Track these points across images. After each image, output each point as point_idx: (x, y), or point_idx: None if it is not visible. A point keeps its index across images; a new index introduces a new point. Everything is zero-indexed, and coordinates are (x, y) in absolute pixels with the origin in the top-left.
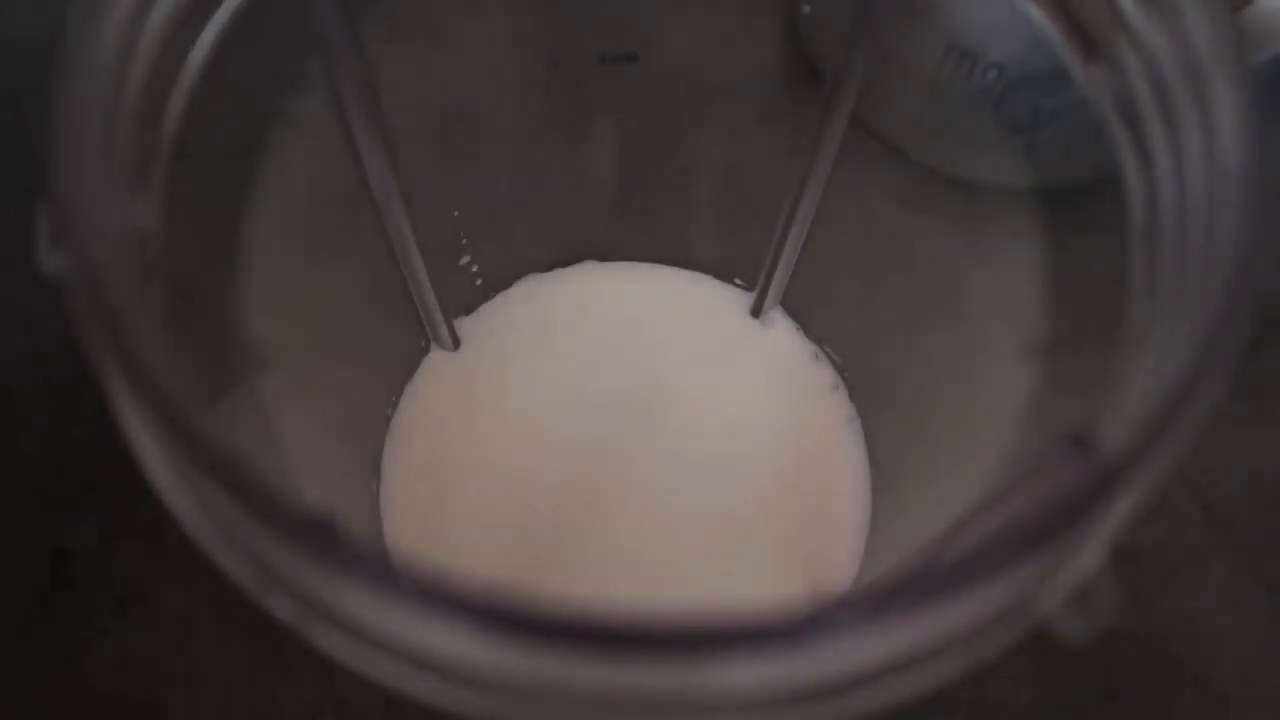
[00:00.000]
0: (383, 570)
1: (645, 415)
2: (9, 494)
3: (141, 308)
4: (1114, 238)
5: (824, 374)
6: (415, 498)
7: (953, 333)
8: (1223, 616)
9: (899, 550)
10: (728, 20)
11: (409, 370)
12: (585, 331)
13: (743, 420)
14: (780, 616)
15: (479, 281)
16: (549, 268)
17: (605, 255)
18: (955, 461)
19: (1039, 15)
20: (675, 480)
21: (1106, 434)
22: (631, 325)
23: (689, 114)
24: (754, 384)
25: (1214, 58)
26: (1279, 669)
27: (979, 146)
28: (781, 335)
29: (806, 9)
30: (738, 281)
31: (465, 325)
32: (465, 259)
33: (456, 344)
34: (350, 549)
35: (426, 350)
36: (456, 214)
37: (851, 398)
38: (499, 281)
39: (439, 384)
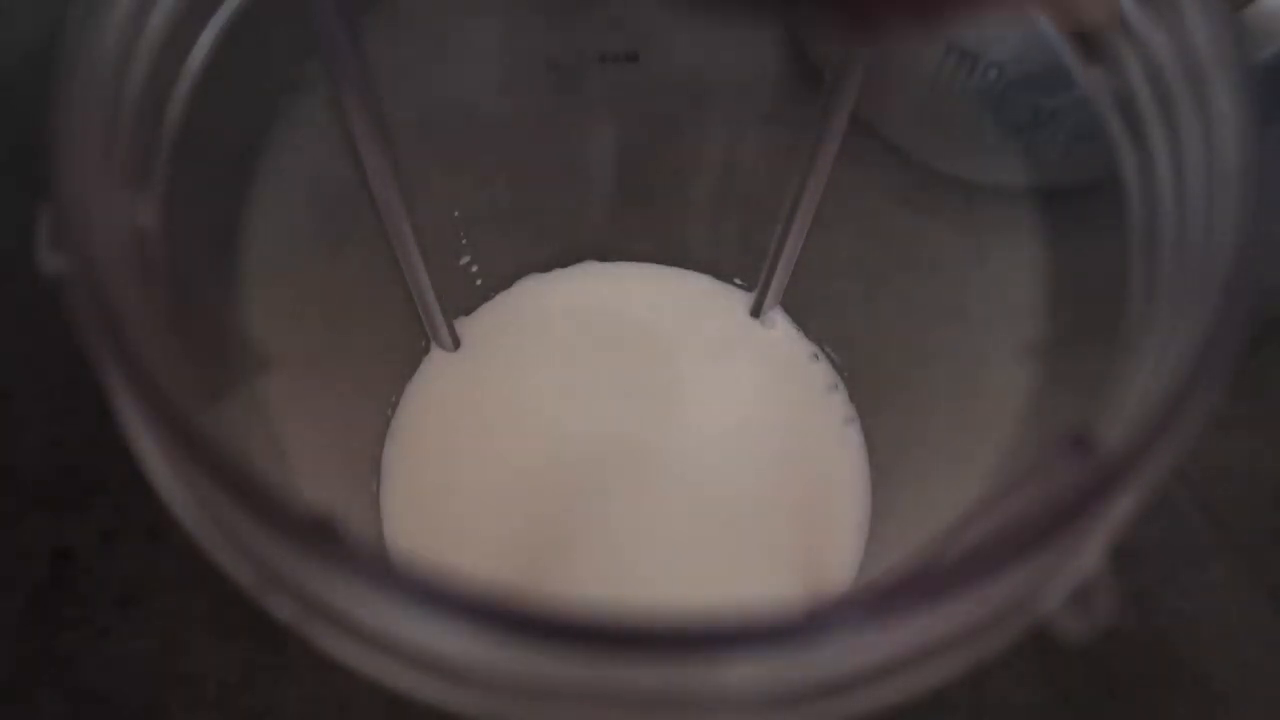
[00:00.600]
0: (383, 570)
1: (645, 415)
2: (9, 494)
3: (141, 308)
4: (1114, 238)
5: (824, 374)
6: (415, 498)
7: (952, 333)
8: (1223, 616)
9: (899, 550)
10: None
11: (409, 370)
12: (585, 332)
13: (742, 420)
14: (780, 616)
15: (479, 281)
16: (549, 268)
17: (605, 255)
18: (955, 461)
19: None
20: (675, 480)
21: (1106, 434)
22: (631, 325)
23: (689, 114)
24: (754, 384)
25: (1214, 58)
26: (1279, 669)
27: (979, 146)
28: (781, 335)
29: None
30: (737, 281)
31: (465, 325)
32: (465, 259)
33: (456, 344)
34: (350, 549)
35: (426, 350)
36: (456, 214)
37: (851, 398)
38: (499, 281)
39: (439, 384)
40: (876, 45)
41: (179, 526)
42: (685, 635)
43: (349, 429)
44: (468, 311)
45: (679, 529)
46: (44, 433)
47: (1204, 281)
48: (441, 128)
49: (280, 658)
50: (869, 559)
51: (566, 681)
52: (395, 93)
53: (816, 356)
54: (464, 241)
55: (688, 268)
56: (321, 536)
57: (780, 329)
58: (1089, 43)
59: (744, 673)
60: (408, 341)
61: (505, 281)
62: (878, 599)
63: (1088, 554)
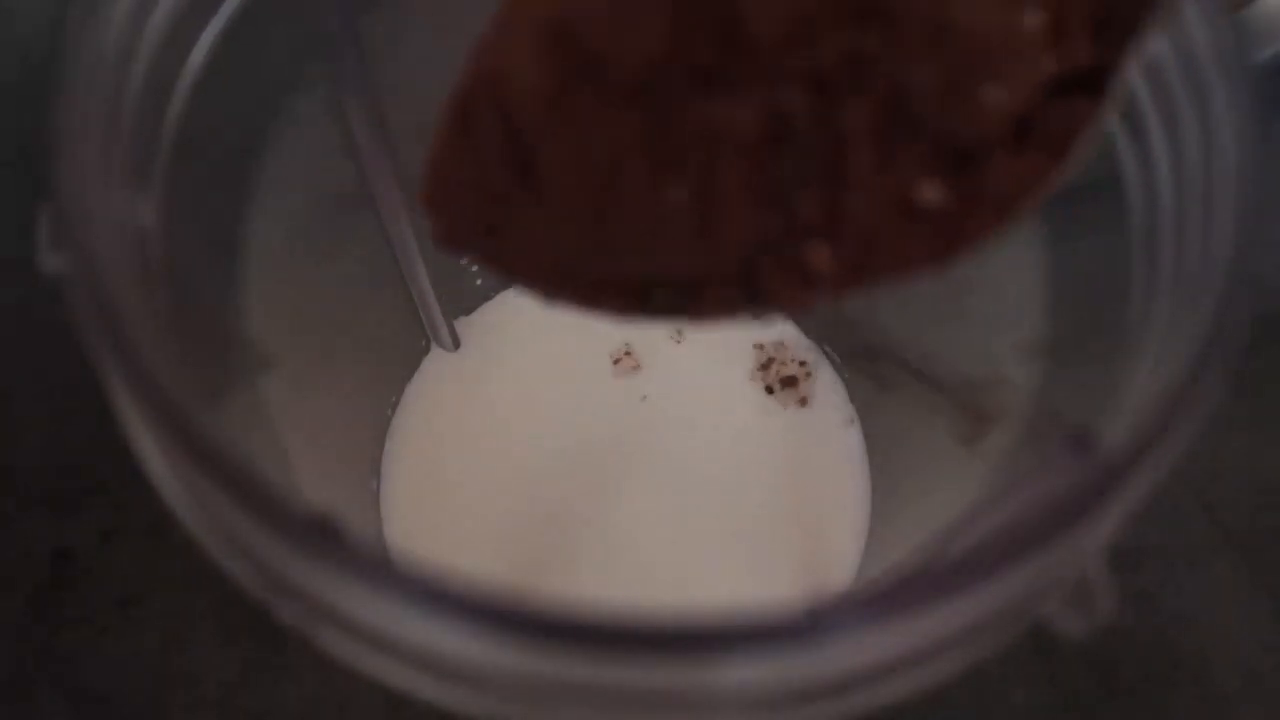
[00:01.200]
0: (383, 570)
1: (646, 415)
2: (9, 494)
3: (141, 308)
4: (1114, 238)
5: (824, 374)
6: (415, 498)
7: (953, 333)
8: (1223, 616)
9: (899, 550)
10: None
11: (409, 370)
12: (585, 332)
13: (742, 420)
14: (780, 616)
15: (479, 282)
16: None
17: None
18: (955, 462)
19: None
20: (675, 480)
21: (1106, 434)
22: (631, 327)
23: None
24: (754, 384)
25: (1214, 58)
26: (1279, 669)
27: None
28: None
29: None
30: None
31: (466, 325)
32: (465, 259)
33: (457, 344)
34: (350, 549)
35: (427, 350)
36: None
37: (851, 398)
38: (499, 281)
39: (439, 384)
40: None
41: (179, 526)
42: (685, 635)
43: (349, 429)
44: (468, 311)
45: (679, 528)
46: (44, 433)
47: (1204, 281)
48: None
49: (280, 658)
50: (869, 559)
51: (566, 681)
52: (395, 93)
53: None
54: None
55: None
56: (321, 536)
57: (780, 329)
58: None
59: (744, 673)
60: (408, 341)
61: (505, 282)
62: (878, 599)
63: (1088, 554)
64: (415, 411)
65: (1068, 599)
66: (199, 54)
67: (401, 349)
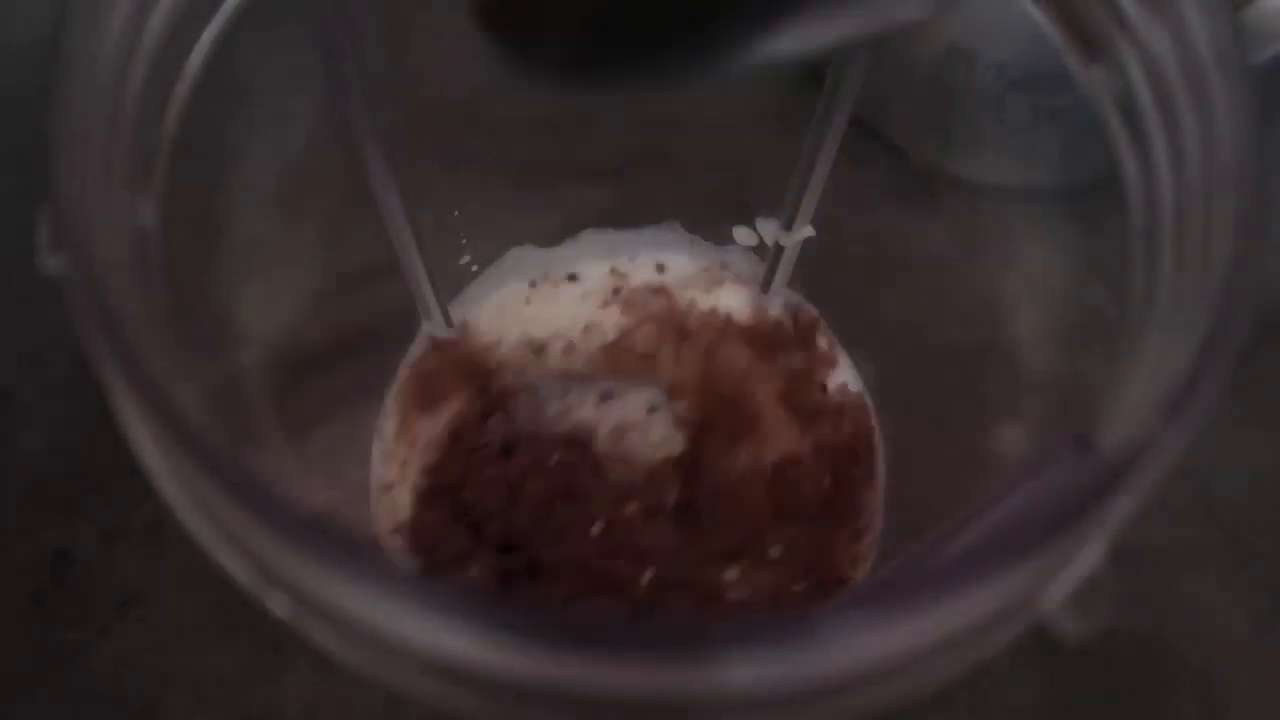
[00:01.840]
0: (383, 570)
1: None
2: (9, 494)
3: (141, 308)
4: (1114, 238)
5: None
6: (414, 496)
7: (953, 332)
8: (1223, 616)
9: (903, 550)
10: None
11: (408, 369)
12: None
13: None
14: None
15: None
16: None
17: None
18: (957, 461)
19: (1039, 15)
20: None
21: (1106, 434)
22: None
23: (689, 114)
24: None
25: (1214, 58)
26: (1279, 669)
27: (979, 146)
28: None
29: None
30: None
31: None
32: (465, 259)
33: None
34: (348, 548)
35: (426, 349)
36: (456, 214)
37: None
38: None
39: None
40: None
41: (178, 526)
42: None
43: (348, 427)
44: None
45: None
46: (44, 433)
47: (1204, 281)
48: (441, 128)
49: (280, 658)
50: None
51: (566, 682)
52: (395, 93)
53: None
54: (464, 241)
55: None
56: (319, 535)
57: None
58: (1089, 43)
59: (744, 673)
60: (408, 340)
61: None
62: (878, 599)
63: (1088, 554)
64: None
65: (1068, 599)
66: (199, 54)
67: (401, 348)
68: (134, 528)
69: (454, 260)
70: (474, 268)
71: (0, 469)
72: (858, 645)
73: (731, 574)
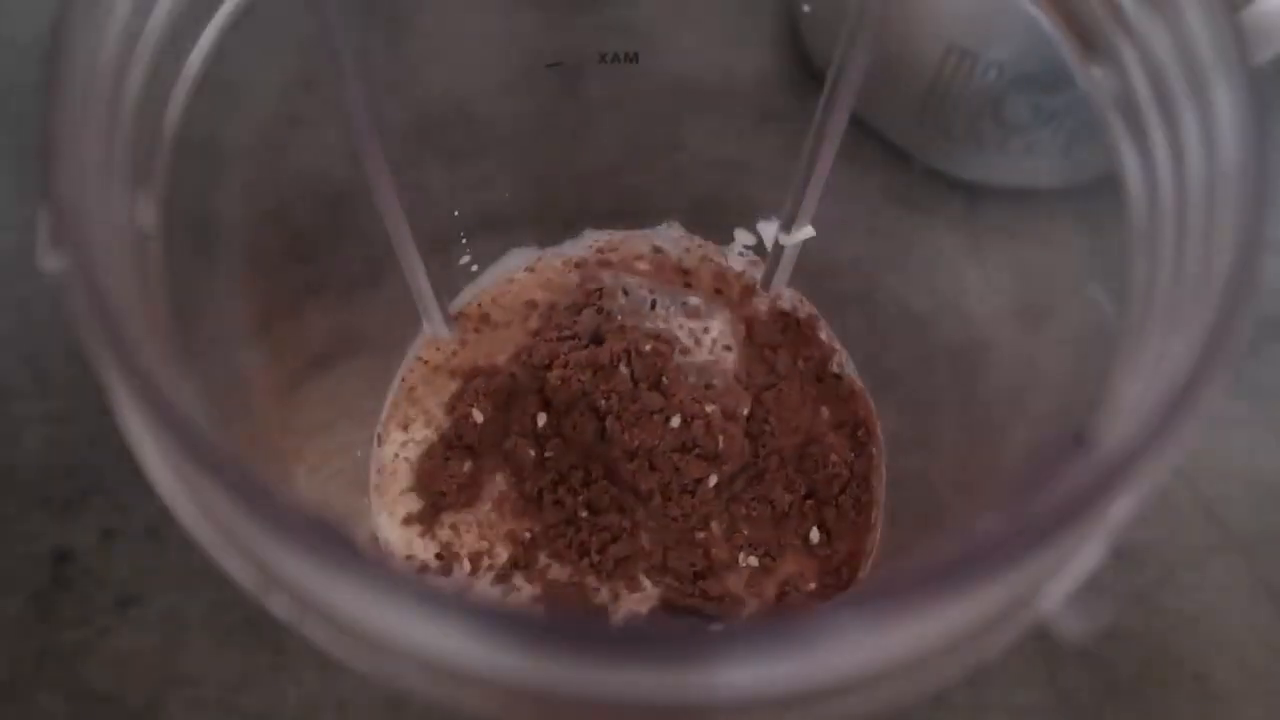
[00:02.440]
0: (383, 570)
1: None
2: (9, 494)
3: (141, 308)
4: (1114, 238)
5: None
6: (414, 496)
7: (953, 332)
8: (1223, 616)
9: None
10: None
11: (408, 368)
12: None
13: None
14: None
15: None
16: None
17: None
18: (958, 461)
19: (1039, 15)
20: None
21: (1106, 434)
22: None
23: (689, 114)
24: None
25: (1214, 58)
26: (1279, 669)
27: (979, 146)
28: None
29: (806, 9)
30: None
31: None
32: (465, 258)
33: (460, 341)
34: (350, 549)
35: (425, 348)
36: (456, 214)
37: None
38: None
39: (439, 381)
40: None
41: (179, 526)
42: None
43: (347, 426)
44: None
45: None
46: (44, 433)
47: (1204, 281)
48: (441, 128)
49: (280, 658)
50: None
51: (565, 682)
52: (395, 93)
53: None
54: (463, 241)
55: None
56: (321, 536)
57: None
58: (1089, 42)
59: (744, 674)
60: (407, 339)
61: None
62: (878, 599)
63: (1088, 554)
64: (414, 407)
65: (1068, 599)
66: (199, 54)
67: (401, 347)
68: (134, 528)
69: (454, 260)
70: (474, 268)
71: (0, 469)
72: (857, 645)
73: (752, 559)
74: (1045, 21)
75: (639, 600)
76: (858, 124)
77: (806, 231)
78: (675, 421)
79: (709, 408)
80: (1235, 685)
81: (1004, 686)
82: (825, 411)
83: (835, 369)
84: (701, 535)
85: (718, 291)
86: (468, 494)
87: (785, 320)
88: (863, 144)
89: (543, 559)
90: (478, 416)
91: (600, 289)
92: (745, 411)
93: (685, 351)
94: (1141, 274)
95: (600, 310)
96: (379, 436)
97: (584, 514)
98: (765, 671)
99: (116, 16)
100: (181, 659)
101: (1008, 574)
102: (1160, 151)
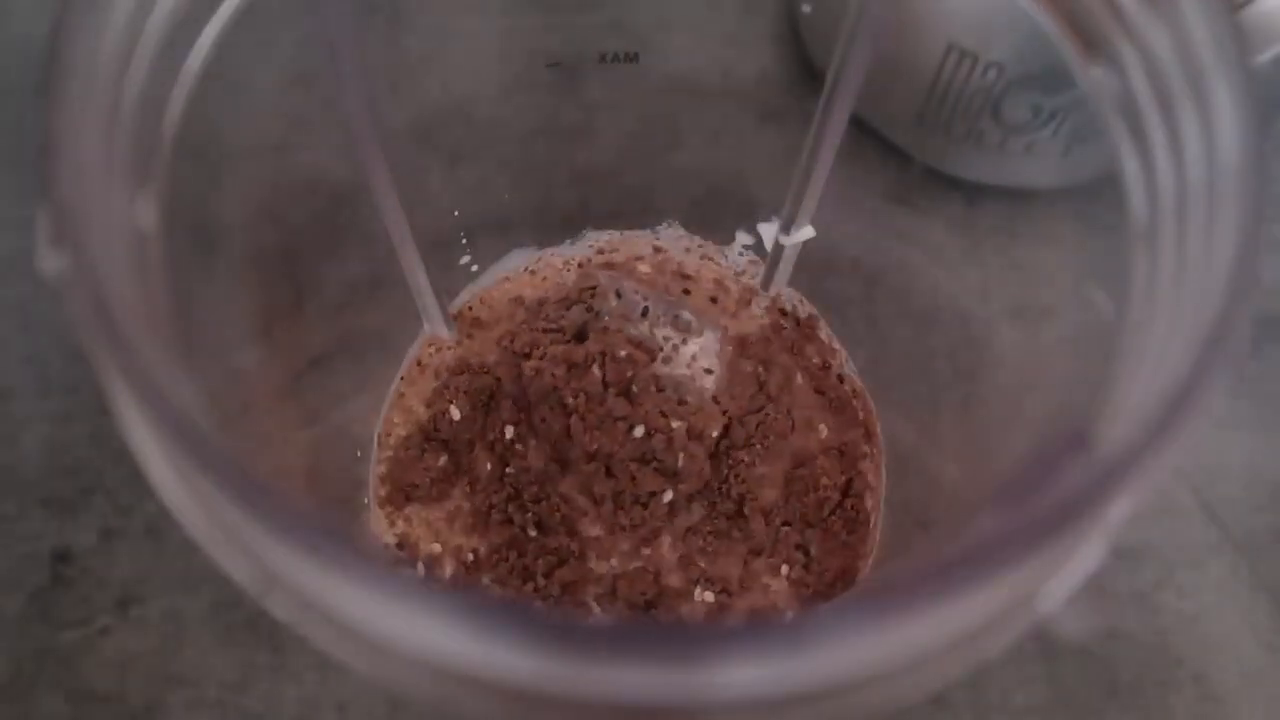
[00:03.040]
0: (383, 570)
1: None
2: (9, 494)
3: (141, 308)
4: (1114, 238)
5: None
6: (414, 495)
7: (953, 332)
8: (1223, 616)
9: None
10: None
11: (407, 366)
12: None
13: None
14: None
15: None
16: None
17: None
18: (959, 461)
19: (1039, 15)
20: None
21: (1106, 434)
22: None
23: (689, 114)
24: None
25: (1214, 57)
26: (1279, 669)
27: (979, 146)
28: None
29: (806, 9)
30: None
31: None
32: (465, 258)
33: (457, 341)
34: (350, 549)
35: (425, 347)
36: (456, 214)
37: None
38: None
39: (438, 380)
40: None
41: (179, 526)
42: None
43: (347, 425)
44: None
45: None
46: (44, 433)
47: (1204, 281)
48: (441, 128)
49: (280, 658)
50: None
51: (565, 682)
52: (395, 93)
53: None
54: (463, 241)
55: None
56: (321, 536)
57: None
58: (1089, 42)
59: (744, 673)
60: (407, 339)
61: None
62: (877, 599)
63: (1088, 554)
64: (414, 407)
65: (1068, 599)
66: (199, 54)
67: (400, 346)
68: (134, 528)
69: (454, 260)
70: (474, 268)
71: (0, 469)
72: (858, 645)
73: (759, 565)
74: (1045, 21)
75: None
76: (858, 124)
77: (806, 232)
78: (639, 431)
79: (675, 423)
80: (1234, 685)
81: (1004, 686)
82: (823, 429)
83: (835, 371)
84: (648, 552)
85: (713, 301)
86: (438, 489)
87: (785, 323)
88: (863, 144)
89: (485, 582)
90: (455, 413)
91: (594, 287)
92: (714, 433)
93: (667, 360)
94: (1141, 274)
95: (590, 309)
96: (379, 436)
97: (532, 533)
98: (765, 671)
99: (116, 16)
100: (181, 659)
101: (1008, 574)
102: (1160, 151)
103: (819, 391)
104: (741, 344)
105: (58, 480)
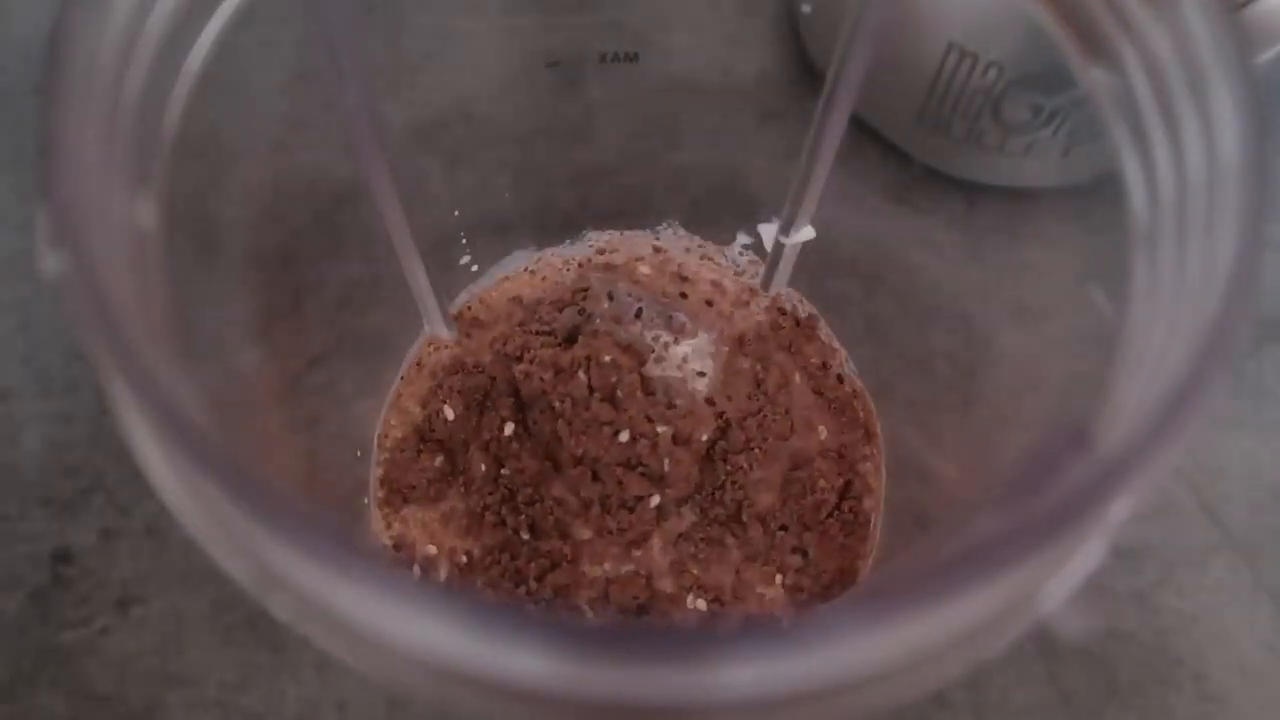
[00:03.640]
0: (383, 570)
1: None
2: (9, 494)
3: (141, 308)
4: (1114, 238)
5: None
6: (411, 497)
7: (953, 332)
8: (1223, 616)
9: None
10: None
11: (407, 366)
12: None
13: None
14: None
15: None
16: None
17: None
18: (959, 460)
19: (1039, 15)
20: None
21: (1106, 434)
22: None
23: (689, 114)
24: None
25: (1214, 57)
26: (1279, 669)
27: (979, 146)
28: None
29: (806, 9)
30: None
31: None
32: (465, 258)
33: (456, 341)
34: (350, 549)
35: (424, 347)
36: (456, 214)
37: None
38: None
39: (438, 379)
40: None
41: (179, 526)
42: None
43: (347, 425)
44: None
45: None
46: (44, 433)
47: (1204, 282)
48: (441, 128)
49: (280, 658)
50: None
51: (565, 682)
52: (395, 93)
53: None
54: (464, 241)
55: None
56: (321, 536)
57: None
58: (1089, 43)
59: (744, 673)
60: (407, 340)
61: None
62: (877, 599)
63: (1088, 554)
64: (414, 405)
65: (1068, 599)
66: (199, 54)
67: (400, 345)
68: (134, 528)
69: (454, 260)
70: (474, 268)
71: (0, 469)
72: (858, 645)
73: (754, 574)
74: (1045, 21)
75: None
76: (858, 124)
77: (807, 232)
78: (624, 436)
79: (660, 428)
80: (1234, 685)
81: (1004, 686)
82: (823, 430)
83: (835, 372)
84: (639, 554)
85: (709, 304)
86: (435, 489)
87: (784, 322)
88: (863, 144)
89: (478, 585)
90: (449, 413)
91: (587, 289)
92: (704, 437)
93: (659, 361)
94: (1141, 274)
95: (582, 311)
96: (379, 437)
97: (525, 536)
98: (765, 671)
99: (116, 16)
100: (181, 659)
101: (1008, 574)
102: (1160, 151)
103: (818, 392)
104: (739, 342)
105: (58, 480)
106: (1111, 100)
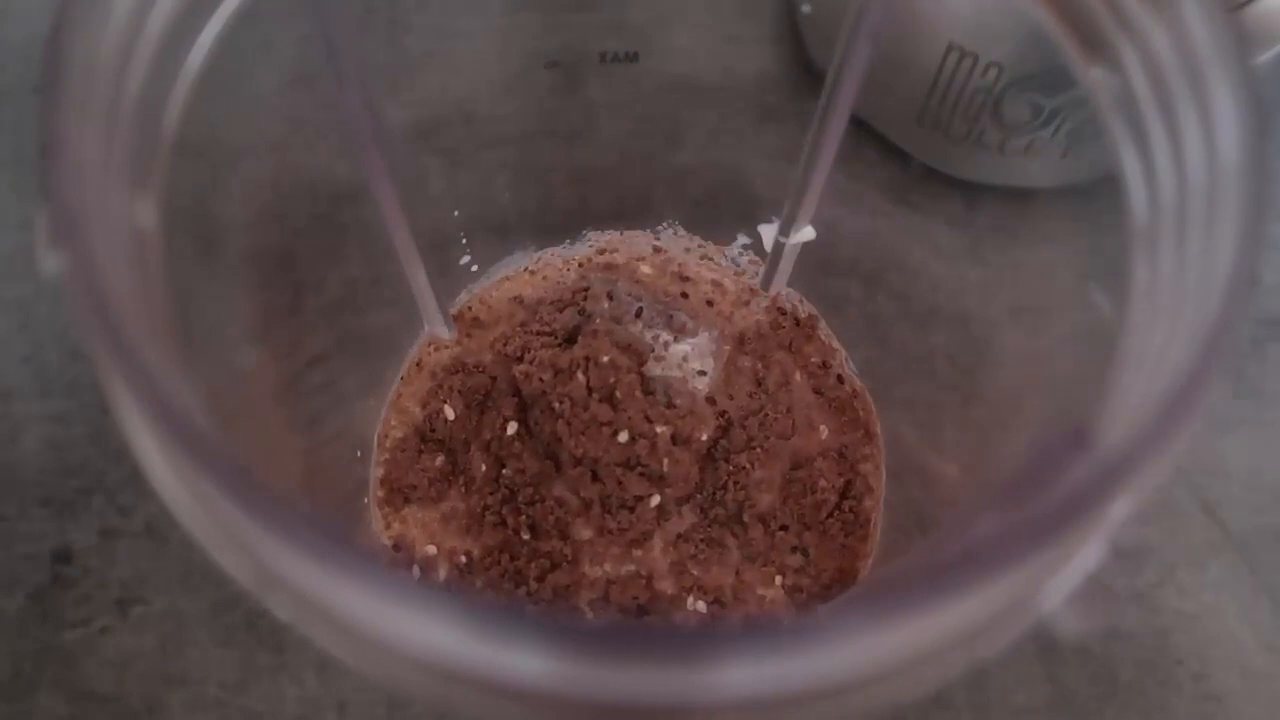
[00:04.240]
0: (383, 570)
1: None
2: (9, 494)
3: (141, 308)
4: (1114, 238)
5: None
6: (413, 497)
7: (953, 332)
8: (1222, 616)
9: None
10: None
11: (407, 366)
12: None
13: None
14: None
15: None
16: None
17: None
18: (959, 460)
19: (1039, 15)
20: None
21: (1106, 434)
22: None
23: (689, 114)
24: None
25: (1214, 57)
26: (1279, 669)
27: (979, 146)
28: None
29: (806, 9)
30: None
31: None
32: (465, 259)
33: (456, 341)
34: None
35: (424, 347)
36: (456, 214)
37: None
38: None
39: (438, 379)
40: None
41: (179, 526)
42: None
43: (347, 425)
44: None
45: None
46: (44, 433)
47: (1204, 281)
48: (441, 128)
49: (280, 658)
50: (880, 559)
51: (565, 682)
52: (395, 93)
53: None
54: (464, 241)
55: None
56: (321, 536)
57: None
58: (1089, 42)
59: (744, 673)
60: (407, 339)
61: None
62: (877, 599)
63: (1088, 554)
64: (413, 405)
65: (1068, 599)
66: (199, 54)
67: (400, 345)
68: (134, 528)
69: (454, 260)
70: (474, 268)
71: (0, 469)
72: (858, 645)
73: (753, 574)
74: (1045, 21)
75: None
76: (858, 124)
77: (807, 233)
78: (624, 436)
79: (659, 428)
80: (1235, 685)
81: (1004, 686)
82: (823, 430)
83: (835, 371)
84: (639, 554)
85: (709, 304)
86: (436, 489)
87: (784, 322)
88: (863, 144)
89: (478, 586)
90: (449, 413)
91: (587, 289)
92: (704, 436)
93: (659, 360)
94: (1141, 274)
95: (582, 311)
96: (379, 437)
97: (525, 536)
98: (765, 671)
99: (116, 16)
100: (181, 659)
101: (1008, 574)
102: (1160, 151)
103: (818, 392)
104: (739, 341)
105: (58, 480)
106: (1111, 100)
